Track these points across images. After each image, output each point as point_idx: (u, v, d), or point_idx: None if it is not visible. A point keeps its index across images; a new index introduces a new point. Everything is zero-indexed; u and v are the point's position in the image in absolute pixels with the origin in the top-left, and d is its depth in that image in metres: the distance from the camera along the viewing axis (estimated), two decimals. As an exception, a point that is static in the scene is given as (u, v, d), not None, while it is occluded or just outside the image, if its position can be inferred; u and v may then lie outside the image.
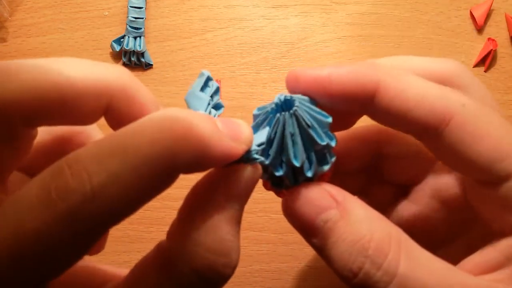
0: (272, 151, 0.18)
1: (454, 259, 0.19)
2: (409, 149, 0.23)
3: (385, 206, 0.24)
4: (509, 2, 0.41)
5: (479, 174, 0.18)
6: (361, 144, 0.24)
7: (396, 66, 0.20)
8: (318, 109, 0.18)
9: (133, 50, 0.38)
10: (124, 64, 0.39)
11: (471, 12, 0.40)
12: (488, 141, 0.17)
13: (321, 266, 0.36)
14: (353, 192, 0.20)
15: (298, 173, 0.18)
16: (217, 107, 0.18)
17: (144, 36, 0.39)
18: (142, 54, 0.39)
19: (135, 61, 0.39)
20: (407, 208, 0.23)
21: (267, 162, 0.18)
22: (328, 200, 0.18)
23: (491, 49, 0.39)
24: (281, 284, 0.36)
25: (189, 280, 0.15)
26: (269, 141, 0.18)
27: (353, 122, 0.22)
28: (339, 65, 0.19)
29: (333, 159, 0.19)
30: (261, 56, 0.40)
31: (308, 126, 0.17)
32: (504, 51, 0.40)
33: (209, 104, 0.17)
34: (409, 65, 0.20)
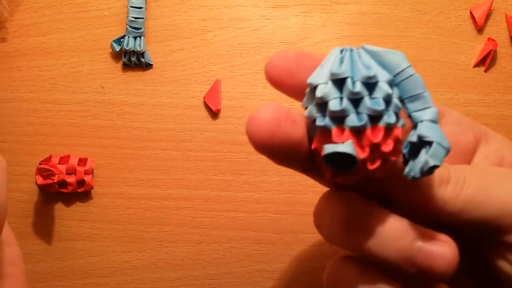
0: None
1: None
2: None
3: None
4: (509, 2, 0.41)
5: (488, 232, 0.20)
6: None
7: None
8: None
9: (133, 50, 0.38)
10: (124, 64, 0.39)
11: (471, 12, 0.40)
12: (492, 206, 0.19)
13: (321, 266, 0.36)
14: None
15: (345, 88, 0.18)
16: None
17: (144, 36, 0.39)
18: (142, 54, 0.39)
19: (135, 61, 0.39)
20: None
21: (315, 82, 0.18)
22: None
23: (491, 49, 0.39)
24: (281, 284, 0.36)
25: None
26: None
27: None
28: None
29: (400, 123, 0.18)
30: (261, 56, 0.40)
31: (359, 56, 0.18)
32: (504, 51, 0.40)
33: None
34: None
